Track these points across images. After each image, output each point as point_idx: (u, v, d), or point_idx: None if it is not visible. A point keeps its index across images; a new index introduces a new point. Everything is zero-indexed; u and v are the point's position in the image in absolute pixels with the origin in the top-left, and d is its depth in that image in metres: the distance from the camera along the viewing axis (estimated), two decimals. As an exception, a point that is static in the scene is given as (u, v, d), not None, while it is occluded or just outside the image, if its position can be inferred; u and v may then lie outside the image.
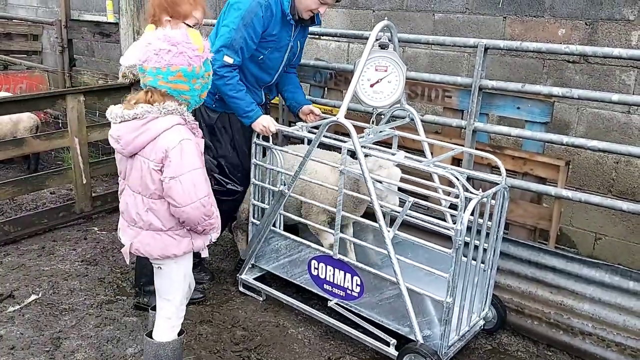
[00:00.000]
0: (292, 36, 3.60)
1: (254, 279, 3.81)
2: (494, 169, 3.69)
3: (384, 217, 3.13)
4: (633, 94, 3.90)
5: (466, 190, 2.89)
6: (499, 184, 3.07)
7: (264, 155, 3.67)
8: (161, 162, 2.32)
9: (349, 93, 3.06)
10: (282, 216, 3.60)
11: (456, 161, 3.78)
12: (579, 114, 4.16)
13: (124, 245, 2.56)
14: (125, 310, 3.60)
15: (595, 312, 3.23)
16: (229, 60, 3.39)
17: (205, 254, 2.63)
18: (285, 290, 3.74)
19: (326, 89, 4.43)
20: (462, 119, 3.73)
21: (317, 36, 5.38)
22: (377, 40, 3.15)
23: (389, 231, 2.99)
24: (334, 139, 3.38)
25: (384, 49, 3.20)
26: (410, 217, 2.99)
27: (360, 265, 3.23)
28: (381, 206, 3.00)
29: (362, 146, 3.05)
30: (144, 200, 2.42)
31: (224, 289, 3.91)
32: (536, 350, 3.39)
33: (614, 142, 3.61)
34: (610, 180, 4.10)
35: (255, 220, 3.72)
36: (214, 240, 2.60)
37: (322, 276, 3.44)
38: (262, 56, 3.53)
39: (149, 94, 2.34)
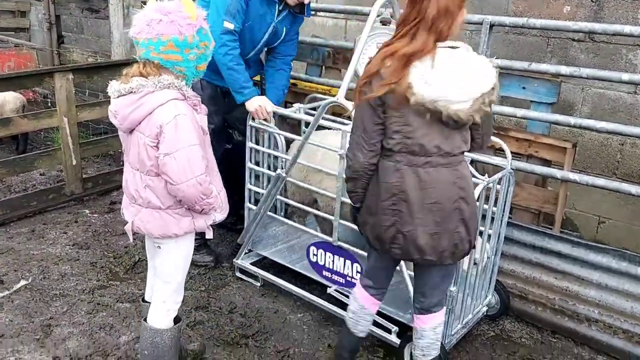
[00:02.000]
0: (275, 16, 3.47)
1: (251, 264, 3.71)
2: (498, 152, 3.59)
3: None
4: (640, 73, 3.79)
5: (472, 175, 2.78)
6: (503, 167, 2.97)
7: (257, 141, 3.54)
8: (156, 138, 2.24)
9: (349, 72, 2.92)
10: (280, 202, 3.49)
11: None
12: (583, 94, 4.05)
13: (125, 224, 2.50)
14: (119, 296, 3.50)
15: (602, 299, 3.15)
16: (229, 25, 3.29)
17: (209, 234, 2.53)
18: (283, 275, 3.64)
19: (324, 67, 4.29)
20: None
21: (314, 12, 5.21)
22: (378, 16, 3.00)
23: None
24: (333, 121, 3.26)
25: (385, 25, 3.06)
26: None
27: (360, 252, 3.13)
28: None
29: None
30: (142, 177, 2.35)
31: (220, 273, 3.81)
32: (540, 337, 3.32)
33: (620, 123, 3.52)
34: (615, 163, 4.01)
35: (250, 205, 3.60)
36: (218, 221, 2.50)
37: (322, 263, 3.34)
38: (241, 27, 3.41)
39: (142, 67, 2.26)
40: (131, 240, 2.55)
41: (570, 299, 3.25)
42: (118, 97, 2.27)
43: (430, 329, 2.55)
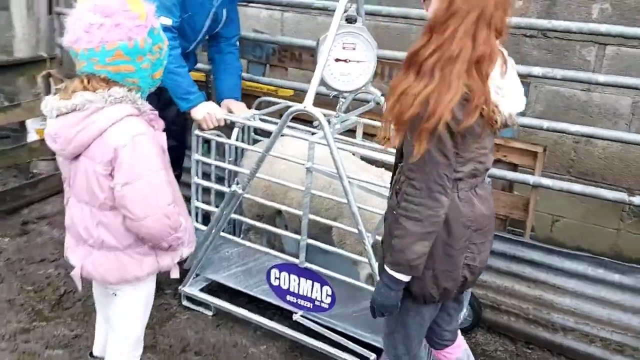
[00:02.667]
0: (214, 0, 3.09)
1: (200, 290, 3.30)
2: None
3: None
4: (593, 70, 3.73)
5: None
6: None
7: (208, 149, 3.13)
8: (110, 165, 1.86)
9: (317, 75, 2.58)
10: (235, 221, 3.10)
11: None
12: (537, 92, 3.96)
13: (68, 263, 2.10)
14: (47, 341, 2.97)
15: (578, 307, 3.06)
16: (166, 21, 2.85)
17: (175, 274, 2.15)
18: (236, 300, 3.26)
19: (268, 66, 3.91)
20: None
21: (245, 3, 4.80)
22: (345, 12, 2.68)
23: (369, 236, 2.60)
24: (290, 127, 2.92)
25: (351, 22, 2.74)
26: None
27: (332, 274, 2.83)
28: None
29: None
30: (92, 212, 1.95)
31: (164, 303, 3.36)
32: (515, 349, 3.19)
33: (573, 121, 3.46)
34: (570, 161, 3.97)
35: (198, 225, 3.19)
36: (185, 256, 2.12)
37: (285, 287, 3.00)
38: (180, 20, 3.01)
39: (86, 82, 1.86)
40: (79, 288, 2.11)
41: (544, 308, 3.14)
42: (58, 116, 1.86)
43: (465, 347, 2.37)
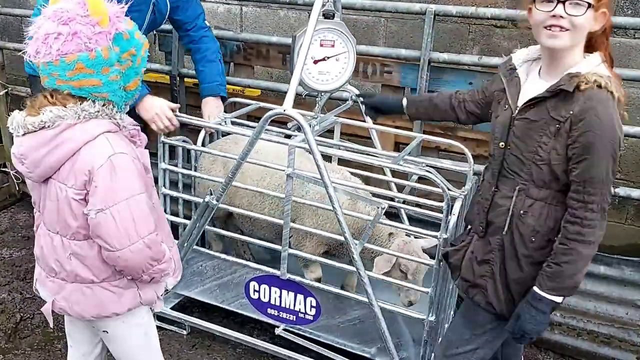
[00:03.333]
0: None
1: (172, 308, 3.08)
2: (442, 153, 3.31)
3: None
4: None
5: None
6: (464, 174, 2.69)
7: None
8: (84, 188, 1.65)
9: (296, 76, 2.41)
10: (207, 232, 2.90)
11: (397, 145, 3.34)
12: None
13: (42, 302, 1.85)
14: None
15: (564, 301, 3.01)
16: None
17: (158, 307, 1.95)
18: (211, 316, 3.07)
19: (232, 64, 3.70)
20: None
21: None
22: (323, 5, 2.51)
23: (356, 244, 2.46)
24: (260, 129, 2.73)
25: (329, 18, 2.58)
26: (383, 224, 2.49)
27: (317, 285, 2.68)
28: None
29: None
30: (64, 242, 1.73)
31: (133, 323, 3.12)
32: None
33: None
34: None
35: (169, 238, 2.96)
36: (170, 288, 1.92)
37: (265, 299, 2.83)
38: None
39: (50, 97, 1.65)
40: (51, 324, 1.89)
41: (530, 304, 3.08)
42: (25, 134, 1.64)
43: None
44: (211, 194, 2.68)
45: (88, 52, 1.58)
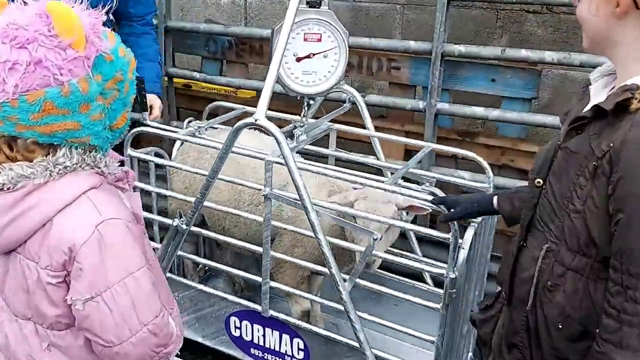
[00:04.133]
0: None
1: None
2: (462, 161, 2.82)
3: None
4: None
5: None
6: (481, 191, 2.22)
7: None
8: (63, 269, 1.21)
9: (270, 78, 1.98)
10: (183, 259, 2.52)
11: (408, 153, 2.88)
12: (541, 77, 3.37)
13: None
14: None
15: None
16: None
17: None
18: (192, 350, 2.69)
19: (224, 62, 3.30)
20: (414, 97, 2.80)
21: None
22: (305, -7, 2.08)
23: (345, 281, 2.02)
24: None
25: (314, 7, 2.13)
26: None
27: (303, 324, 2.26)
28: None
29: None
30: (39, 331, 1.29)
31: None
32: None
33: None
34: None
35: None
36: None
37: (247, 338, 2.43)
38: None
39: (7, 148, 1.20)
40: None
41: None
42: None
43: None
44: (180, 217, 2.29)
45: (59, 87, 1.12)
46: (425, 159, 2.64)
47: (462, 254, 1.86)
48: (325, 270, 2.04)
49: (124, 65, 1.22)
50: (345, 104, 2.51)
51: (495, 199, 1.69)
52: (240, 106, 2.70)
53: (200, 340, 2.58)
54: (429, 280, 2.54)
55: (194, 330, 2.59)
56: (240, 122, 2.00)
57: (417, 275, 2.54)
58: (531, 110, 2.59)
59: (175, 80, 3.29)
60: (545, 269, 1.30)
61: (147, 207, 2.62)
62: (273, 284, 2.26)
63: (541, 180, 1.33)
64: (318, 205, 2.02)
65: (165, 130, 2.44)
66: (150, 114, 2.60)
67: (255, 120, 1.96)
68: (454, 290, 1.87)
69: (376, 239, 1.93)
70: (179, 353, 1.59)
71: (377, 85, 3.67)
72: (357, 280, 2.04)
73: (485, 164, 2.23)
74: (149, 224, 2.57)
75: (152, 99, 2.64)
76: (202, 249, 2.98)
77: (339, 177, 2.04)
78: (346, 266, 2.30)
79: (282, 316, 2.29)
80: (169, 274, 2.48)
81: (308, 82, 2.18)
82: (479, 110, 2.52)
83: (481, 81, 2.58)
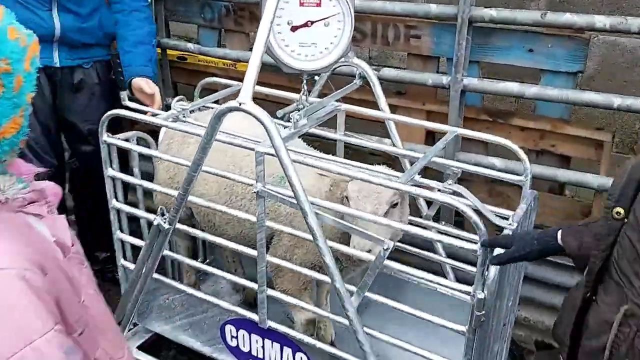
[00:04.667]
0: None
1: (140, 347, 2.45)
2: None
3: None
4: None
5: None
6: (517, 184, 1.85)
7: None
8: None
9: (257, 51, 1.64)
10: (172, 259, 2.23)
11: (429, 136, 2.51)
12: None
13: None
14: None
15: None
16: None
17: None
18: (189, 355, 2.43)
19: (222, 31, 2.94)
20: (437, 70, 2.41)
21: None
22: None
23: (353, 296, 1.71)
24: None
25: (311, -35, 1.77)
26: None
27: (305, 338, 1.95)
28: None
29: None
30: None
31: None
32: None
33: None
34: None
35: (126, 263, 2.32)
36: None
37: (245, 349, 2.15)
38: None
39: None
40: None
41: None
42: None
43: None
44: (163, 215, 1.98)
45: None
46: (450, 143, 2.28)
47: (494, 271, 1.51)
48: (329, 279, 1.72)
49: (16, 52, 0.90)
50: (355, 80, 2.15)
51: (559, 233, 1.31)
52: (236, 82, 2.35)
53: (192, 347, 2.31)
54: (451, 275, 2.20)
55: (187, 335, 2.33)
56: (222, 107, 1.67)
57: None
58: (576, 87, 2.19)
59: (169, 52, 2.94)
60: (623, 341, 0.95)
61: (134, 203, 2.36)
62: (271, 292, 1.95)
63: (622, 211, 1.00)
64: (318, 206, 1.69)
65: (140, 112, 2.11)
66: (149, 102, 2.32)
67: (240, 105, 1.63)
68: (483, 312, 1.53)
69: (387, 249, 1.60)
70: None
71: (398, 57, 3.28)
72: (368, 294, 1.72)
73: (521, 153, 1.85)
74: (133, 218, 2.31)
75: (144, 84, 2.33)
76: (199, 241, 2.69)
77: (341, 173, 1.69)
78: (357, 267, 1.98)
79: (282, 328, 1.99)
80: (157, 275, 2.20)
81: (306, 56, 1.82)
82: (513, 87, 2.12)
83: (516, 52, 2.18)
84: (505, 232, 1.57)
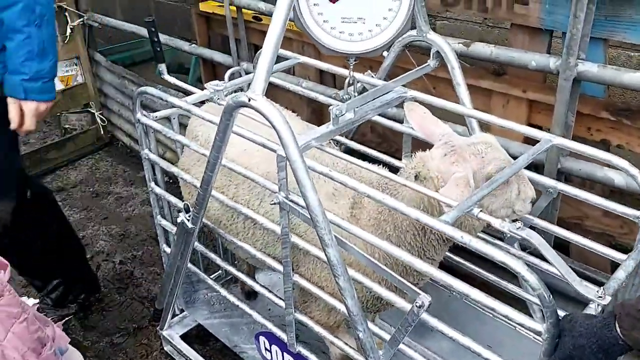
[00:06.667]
0: None
1: (183, 335, 2.29)
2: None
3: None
4: None
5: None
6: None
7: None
8: None
9: (274, 29, 1.27)
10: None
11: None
12: None
13: None
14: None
15: None
16: None
17: None
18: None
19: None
20: (548, 49, 1.85)
21: None
22: None
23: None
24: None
25: None
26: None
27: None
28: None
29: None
30: None
31: (144, 343, 2.44)
32: None
33: None
34: None
35: (166, 248, 2.14)
36: None
37: (278, 364, 1.89)
38: None
39: None
40: None
41: None
42: None
43: None
44: (187, 211, 1.73)
45: None
46: (554, 159, 1.76)
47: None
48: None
49: None
50: (428, 61, 1.69)
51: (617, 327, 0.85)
52: (293, 55, 1.99)
53: (231, 347, 2.10)
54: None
55: (225, 335, 2.17)
56: (229, 102, 1.33)
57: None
58: None
59: (243, 10, 2.64)
60: None
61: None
62: (300, 317, 1.65)
63: None
64: (346, 231, 1.33)
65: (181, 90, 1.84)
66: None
67: (249, 100, 1.28)
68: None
69: (421, 306, 1.20)
70: None
71: (489, 33, 2.68)
72: (402, 346, 1.34)
73: (637, 173, 1.32)
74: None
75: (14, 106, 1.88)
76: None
77: (369, 196, 1.29)
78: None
79: (312, 357, 1.69)
80: (194, 269, 1.98)
81: (351, 35, 1.41)
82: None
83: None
84: (590, 309, 1.10)
